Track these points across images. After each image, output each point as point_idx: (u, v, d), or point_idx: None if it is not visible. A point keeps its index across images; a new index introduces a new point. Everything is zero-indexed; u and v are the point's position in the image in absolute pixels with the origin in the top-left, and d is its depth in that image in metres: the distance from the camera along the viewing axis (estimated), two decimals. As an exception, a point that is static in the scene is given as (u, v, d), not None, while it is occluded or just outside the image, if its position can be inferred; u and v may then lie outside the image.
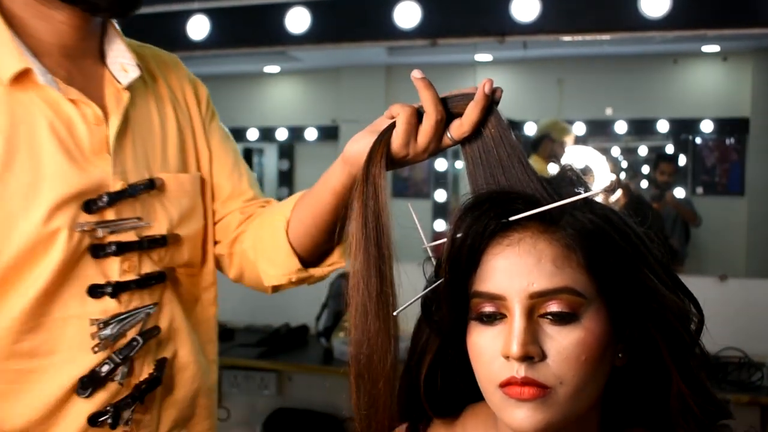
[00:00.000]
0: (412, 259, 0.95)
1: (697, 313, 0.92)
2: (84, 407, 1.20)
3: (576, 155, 4.43)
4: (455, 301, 0.87)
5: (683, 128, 4.84)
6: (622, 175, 4.85)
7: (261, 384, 3.63)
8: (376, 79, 5.02)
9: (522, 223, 0.85)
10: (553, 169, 0.97)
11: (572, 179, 0.91)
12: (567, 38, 3.47)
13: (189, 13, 3.71)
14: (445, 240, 0.88)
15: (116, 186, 1.20)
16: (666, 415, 0.89)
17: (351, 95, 5.10)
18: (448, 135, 1.02)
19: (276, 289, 1.35)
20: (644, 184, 5.00)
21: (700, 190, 4.79)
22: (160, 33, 3.70)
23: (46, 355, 1.17)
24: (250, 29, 3.72)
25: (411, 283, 0.94)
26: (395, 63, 4.90)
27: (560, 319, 0.82)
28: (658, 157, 4.72)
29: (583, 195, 0.85)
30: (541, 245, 0.84)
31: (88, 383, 1.18)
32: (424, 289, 0.91)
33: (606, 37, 3.38)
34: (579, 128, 4.79)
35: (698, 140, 4.83)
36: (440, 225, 4.79)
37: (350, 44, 3.72)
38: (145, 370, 1.26)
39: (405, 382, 0.97)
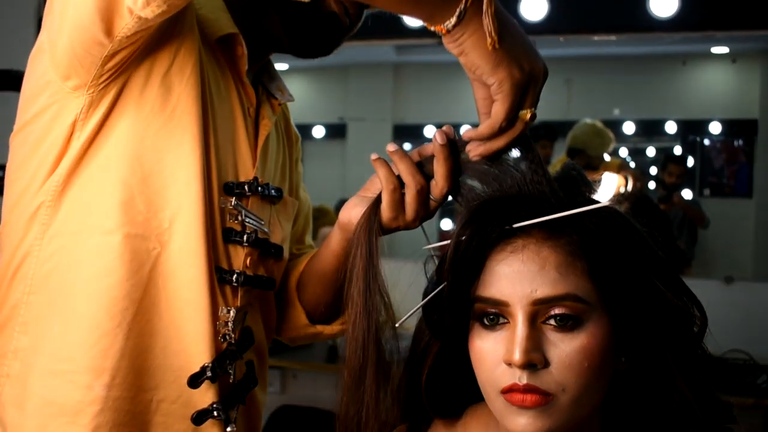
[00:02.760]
0: (416, 257, 0.95)
1: (701, 317, 0.92)
2: (190, 398, 1.09)
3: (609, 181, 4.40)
4: (458, 306, 0.87)
5: (691, 129, 4.84)
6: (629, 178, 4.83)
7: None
8: (384, 78, 5.02)
9: (526, 230, 0.85)
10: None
11: (577, 180, 0.90)
12: (575, 38, 3.47)
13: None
14: (448, 242, 0.88)
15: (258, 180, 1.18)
16: (669, 419, 0.89)
17: (359, 93, 5.12)
18: (432, 198, 1.02)
19: (293, 341, 1.35)
20: (652, 185, 4.99)
21: (707, 191, 4.79)
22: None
23: (164, 334, 1.07)
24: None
25: (410, 281, 0.94)
26: (403, 61, 4.90)
27: (563, 326, 0.82)
28: (666, 158, 4.70)
29: (587, 208, 0.83)
30: (545, 252, 0.83)
31: (213, 373, 1.07)
32: (425, 295, 0.91)
33: (614, 37, 3.38)
34: (586, 128, 4.79)
35: (706, 141, 4.82)
36: (447, 224, 4.79)
37: (358, 42, 3.71)
38: (239, 371, 1.16)
39: (406, 383, 0.97)
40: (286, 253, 1.27)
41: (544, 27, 3.31)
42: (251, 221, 1.16)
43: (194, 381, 1.07)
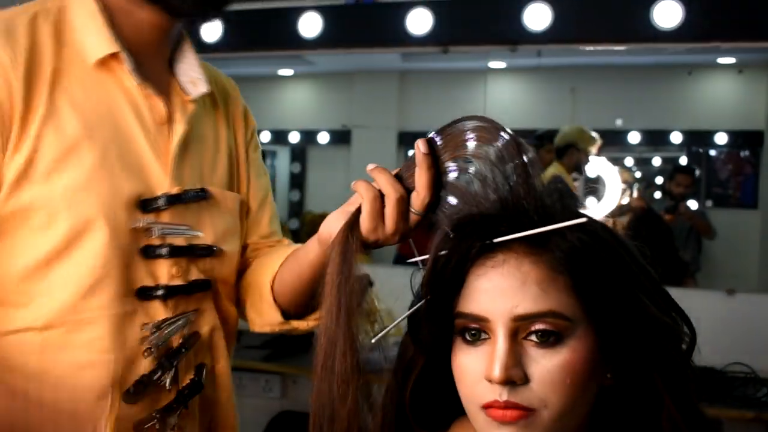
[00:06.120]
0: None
1: (690, 333, 0.91)
2: (129, 413, 1.17)
3: (597, 166, 4.41)
4: (438, 321, 0.87)
5: (697, 140, 4.82)
6: (635, 187, 4.82)
7: (266, 386, 3.63)
8: (389, 85, 5.02)
9: (507, 245, 0.84)
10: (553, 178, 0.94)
11: (561, 194, 0.89)
12: (578, 47, 3.46)
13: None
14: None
15: (173, 190, 1.20)
16: (658, 434, 0.89)
17: (364, 100, 5.12)
18: (413, 210, 1.02)
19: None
20: (658, 194, 4.97)
21: (709, 202, 4.76)
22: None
23: (102, 352, 1.14)
24: (263, 33, 3.74)
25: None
26: (409, 68, 4.90)
27: (545, 342, 0.81)
28: (674, 169, 4.69)
29: (566, 224, 0.82)
30: (526, 267, 0.83)
31: (139, 388, 1.16)
32: (411, 308, 0.91)
33: (618, 47, 3.37)
34: (592, 137, 4.77)
35: (712, 152, 4.80)
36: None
37: (362, 49, 3.73)
38: (187, 376, 1.24)
39: (390, 397, 0.96)
40: (231, 247, 1.31)
41: (548, 36, 3.30)
42: (171, 231, 1.19)
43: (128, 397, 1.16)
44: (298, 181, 5.64)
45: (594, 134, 4.30)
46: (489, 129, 0.95)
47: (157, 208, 1.17)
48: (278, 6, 3.71)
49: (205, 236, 1.25)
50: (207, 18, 1.26)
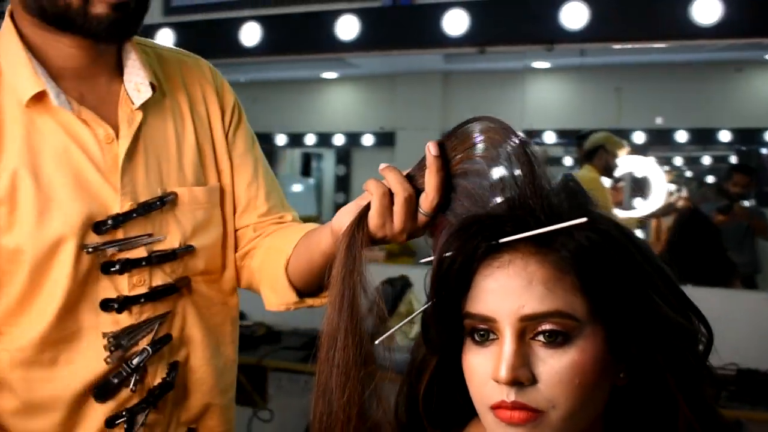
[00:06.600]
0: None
1: (707, 334, 0.90)
2: (101, 410, 1.27)
3: (633, 165, 4.36)
4: (447, 321, 0.87)
5: (746, 138, 4.72)
6: (682, 187, 4.74)
7: (305, 387, 3.65)
8: (432, 86, 5.01)
9: (513, 245, 0.84)
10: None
11: (570, 193, 0.88)
12: (616, 46, 3.41)
13: (242, 21, 3.77)
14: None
15: (125, 207, 1.24)
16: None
17: (407, 102, 5.11)
18: (421, 211, 1.03)
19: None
20: (708, 194, 4.88)
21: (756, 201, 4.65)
22: (214, 40, 3.82)
23: (65, 364, 1.24)
24: (301, 36, 3.76)
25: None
26: (452, 69, 4.89)
27: (552, 342, 0.81)
28: (731, 168, 4.59)
29: (568, 223, 0.82)
30: (532, 267, 0.82)
31: (103, 392, 1.25)
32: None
33: (657, 45, 3.31)
34: (638, 137, 4.71)
35: (763, 150, 4.70)
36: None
37: (398, 51, 3.73)
38: (158, 375, 1.31)
39: (404, 397, 0.97)
40: (205, 240, 1.35)
41: (585, 35, 3.26)
42: (127, 245, 1.25)
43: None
44: (343, 184, 5.68)
45: (621, 140, 4.26)
46: (498, 130, 0.95)
47: (109, 229, 1.23)
48: (316, 9, 3.73)
49: (171, 239, 1.30)
50: (122, 41, 1.28)
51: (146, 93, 1.29)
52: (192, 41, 3.69)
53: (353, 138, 5.51)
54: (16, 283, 1.20)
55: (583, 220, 0.81)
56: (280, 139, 5.70)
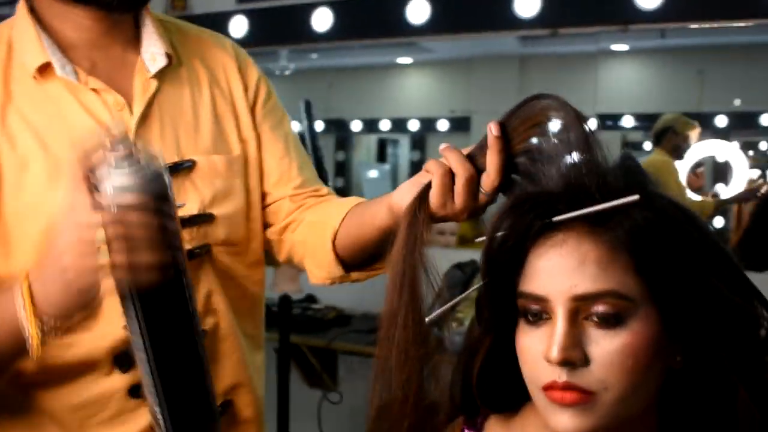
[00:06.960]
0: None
1: (769, 319, 0.87)
2: (123, 380, 1.26)
3: (715, 150, 4.23)
4: (500, 301, 0.86)
5: (838, 122, 4.53)
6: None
7: (375, 370, 3.67)
8: (509, 70, 4.95)
9: (567, 224, 0.83)
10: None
11: (627, 171, 0.86)
12: (693, 26, 3.30)
13: (313, 6, 3.81)
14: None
15: None
16: (734, 422, 0.85)
17: (483, 86, 5.06)
18: (482, 191, 1.04)
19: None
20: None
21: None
22: (287, 26, 3.84)
23: (83, 331, 1.21)
24: (371, 21, 3.78)
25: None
26: (529, 53, 4.82)
27: (605, 323, 0.80)
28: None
29: (617, 202, 0.79)
30: (586, 246, 0.81)
31: (124, 360, 1.24)
32: (464, 291, 0.91)
33: (741, 24, 3.19)
34: (721, 121, 4.56)
35: None
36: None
37: (469, 34, 3.71)
38: None
39: (458, 377, 0.97)
40: (225, 209, 1.34)
41: (660, 15, 3.17)
42: None
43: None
44: (418, 169, 5.59)
45: (691, 120, 4.15)
46: (557, 108, 0.95)
47: None
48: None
49: (190, 206, 1.30)
50: (137, 10, 1.30)
51: (161, 62, 1.31)
52: (265, 28, 3.76)
53: (428, 123, 5.49)
54: (28, 249, 1.20)
55: (635, 197, 0.79)
56: (356, 125, 5.72)
